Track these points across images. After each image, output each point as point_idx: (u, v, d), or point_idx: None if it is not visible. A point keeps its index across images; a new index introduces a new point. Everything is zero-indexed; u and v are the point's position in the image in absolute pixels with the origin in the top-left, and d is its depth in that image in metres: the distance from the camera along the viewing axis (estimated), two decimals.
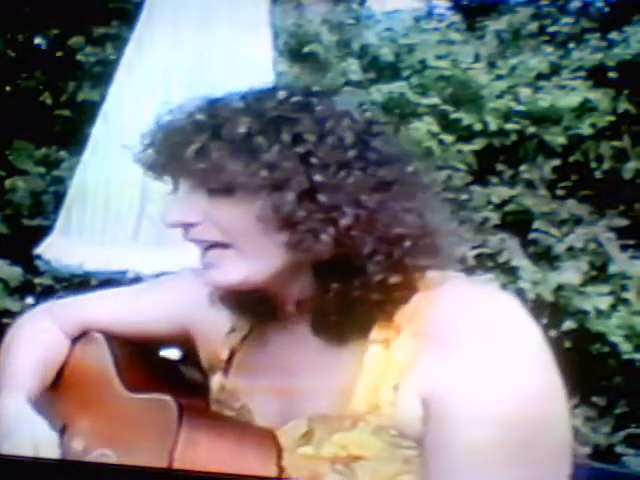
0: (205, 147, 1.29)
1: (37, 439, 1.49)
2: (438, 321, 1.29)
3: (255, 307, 1.44)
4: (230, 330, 1.50)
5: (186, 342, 1.58)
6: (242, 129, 1.29)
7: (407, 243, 1.31)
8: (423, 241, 1.32)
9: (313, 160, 1.28)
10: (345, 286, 1.31)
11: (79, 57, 4.92)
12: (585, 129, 4.50)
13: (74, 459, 1.47)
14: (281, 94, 1.33)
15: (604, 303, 3.88)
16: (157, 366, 1.63)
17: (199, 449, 1.31)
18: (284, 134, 1.29)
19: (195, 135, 1.30)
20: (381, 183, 1.30)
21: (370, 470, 1.29)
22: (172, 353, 1.69)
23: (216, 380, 1.50)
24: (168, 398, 1.36)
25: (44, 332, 1.64)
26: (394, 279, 1.31)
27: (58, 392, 1.60)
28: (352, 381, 1.31)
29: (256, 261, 1.32)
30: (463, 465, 1.23)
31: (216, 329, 1.51)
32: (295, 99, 1.33)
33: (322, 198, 1.27)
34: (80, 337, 1.64)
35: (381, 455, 1.28)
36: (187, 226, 1.34)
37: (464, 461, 1.23)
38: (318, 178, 1.28)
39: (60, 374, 1.62)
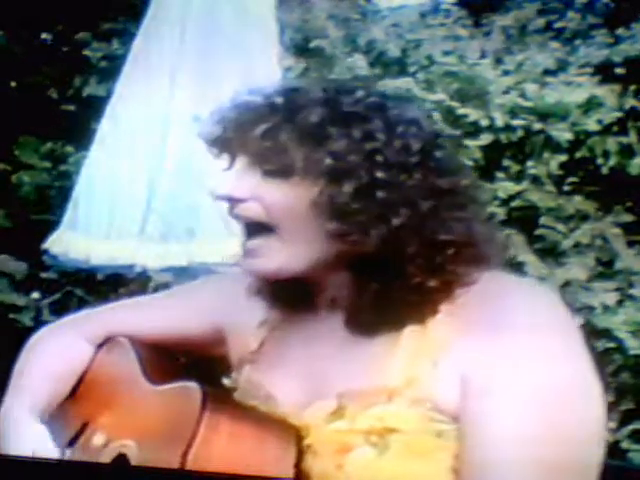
0: (275, 128, 1.35)
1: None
2: (475, 304, 1.35)
3: (290, 299, 1.49)
4: (260, 323, 1.55)
5: (215, 343, 1.63)
6: (315, 118, 1.35)
7: (450, 250, 1.36)
8: (467, 250, 1.38)
9: (379, 158, 1.34)
10: (383, 286, 1.36)
11: (85, 52, 4.92)
12: (591, 125, 4.49)
13: (91, 455, 1.49)
14: (360, 93, 1.40)
15: (610, 299, 3.88)
16: (180, 366, 1.65)
17: (221, 432, 1.34)
18: (355, 130, 1.35)
19: (268, 116, 1.36)
20: (437, 190, 1.36)
21: (404, 443, 1.33)
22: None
23: (244, 372, 1.54)
24: (192, 384, 1.40)
25: (66, 344, 1.67)
26: (432, 283, 1.36)
27: (81, 394, 1.63)
28: (387, 356, 1.37)
29: (298, 248, 1.37)
30: (504, 440, 1.27)
31: (247, 323, 1.56)
32: (372, 99, 1.39)
33: (380, 194, 1.33)
34: (104, 342, 1.66)
35: (416, 428, 1.33)
36: (234, 201, 1.39)
37: (505, 437, 1.27)
38: (380, 175, 1.33)
39: (83, 378, 1.65)
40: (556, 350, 1.32)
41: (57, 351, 1.66)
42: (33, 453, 1.52)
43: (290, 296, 1.48)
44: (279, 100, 1.38)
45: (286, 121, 1.35)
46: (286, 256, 1.37)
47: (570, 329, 1.36)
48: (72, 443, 1.53)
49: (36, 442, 1.56)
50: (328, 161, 1.33)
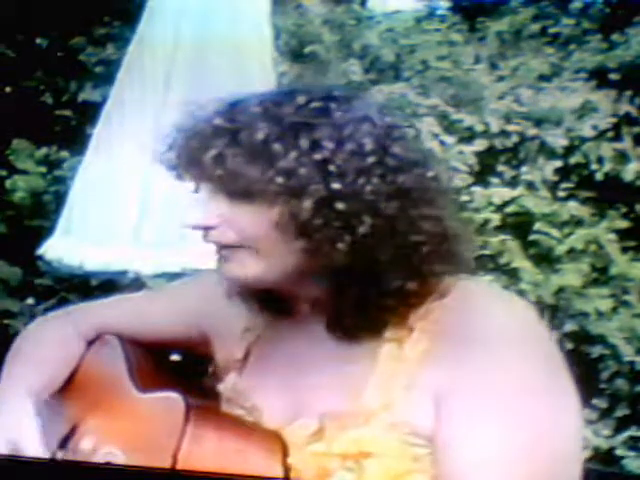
0: (222, 153, 1.29)
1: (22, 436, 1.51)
2: (449, 321, 1.31)
3: (271, 305, 1.45)
4: (245, 330, 1.52)
5: (201, 344, 1.60)
6: (260, 135, 1.28)
7: (425, 249, 1.31)
8: (440, 247, 1.33)
9: (331, 167, 1.27)
10: (362, 291, 1.32)
11: (80, 57, 4.92)
12: (586, 131, 4.49)
13: (81, 459, 1.48)
14: (300, 99, 1.32)
15: (605, 305, 3.87)
16: (168, 368, 1.65)
17: (205, 446, 1.33)
18: (302, 140, 1.28)
19: (213, 140, 1.30)
20: (400, 190, 1.30)
21: (380, 467, 1.29)
22: (181, 357, 1.71)
23: (230, 379, 1.51)
24: (176, 395, 1.39)
25: (59, 335, 1.65)
26: (411, 285, 1.32)
27: (71, 392, 1.62)
28: (364, 378, 1.33)
29: (272, 262, 1.33)
30: (474, 465, 1.24)
31: (232, 329, 1.53)
32: (314, 104, 1.31)
33: (340, 206, 1.27)
34: (95, 340, 1.65)
35: (392, 452, 1.29)
36: (206, 229, 1.35)
37: (474, 461, 1.24)
38: (336, 186, 1.27)
39: (74, 375, 1.63)
40: (529, 371, 1.28)
41: (51, 339, 1.64)
42: (16, 446, 1.51)
43: (272, 303, 1.45)
44: (219, 122, 1.31)
45: (231, 144, 1.29)
46: (261, 267, 1.33)
47: (544, 345, 1.32)
48: (63, 445, 1.53)
49: (27, 434, 1.52)
50: (280, 180, 1.27)
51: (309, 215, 1.27)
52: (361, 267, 1.30)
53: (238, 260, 1.35)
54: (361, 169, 1.28)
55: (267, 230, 1.30)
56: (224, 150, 1.29)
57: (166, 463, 1.30)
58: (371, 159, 1.29)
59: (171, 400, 1.38)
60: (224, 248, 1.36)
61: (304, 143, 1.28)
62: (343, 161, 1.28)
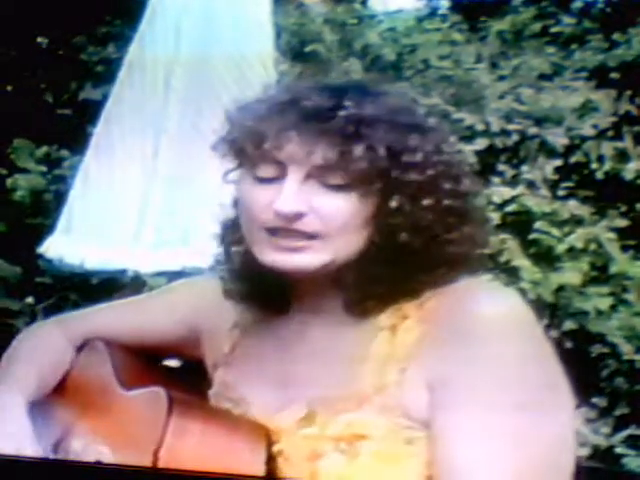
0: (346, 143, 1.30)
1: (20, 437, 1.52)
2: (445, 310, 1.33)
3: (263, 300, 1.47)
4: (233, 325, 1.53)
5: (192, 345, 1.61)
6: (390, 134, 1.32)
7: (454, 250, 1.37)
8: (467, 250, 1.39)
9: (450, 171, 1.36)
10: (383, 277, 1.35)
11: (81, 56, 4.92)
12: (587, 130, 4.50)
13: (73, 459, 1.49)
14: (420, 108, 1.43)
15: (604, 304, 3.88)
16: (154, 368, 1.65)
17: (188, 439, 1.33)
18: (428, 143, 1.35)
19: (336, 129, 1.31)
20: (466, 194, 1.38)
21: (373, 450, 1.31)
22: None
23: (219, 375, 1.52)
24: (158, 389, 1.39)
25: (50, 342, 1.67)
26: (424, 278, 1.36)
27: (62, 398, 1.62)
28: (357, 363, 1.35)
29: (339, 250, 1.34)
30: (471, 451, 1.25)
31: (221, 326, 1.54)
32: (432, 116, 1.43)
33: (448, 203, 1.35)
34: (84, 346, 1.66)
35: (385, 435, 1.31)
36: (294, 216, 1.33)
37: (472, 447, 1.25)
38: (448, 186, 1.35)
39: (64, 381, 1.64)
40: (522, 364, 1.29)
41: (42, 346, 1.65)
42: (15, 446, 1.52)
43: (263, 297, 1.46)
44: (343, 113, 1.31)
45: (357, 136, 1.30)
46: (329, 257, 1.33)
47: (534, 338, 1.34)
48: (55, 450, 1.54)
49: (20, 433, 1.54)
50: (412, 176, 1.32)
51: (424, 213, 1.33)
52: (397, 256, 1.34)
53: (310, 250, 1.33)
54: (462, 175, 1.39)
55: (358, 222, 1.32)
56: (350, 140, 1.31)
57: (150, 457, 1.30)
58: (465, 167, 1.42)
59: (154, 394, 1.38)
60: (300, 238, 1.33)
61: (429, 146, 1.34)
62: (456, 167, 1.38)
